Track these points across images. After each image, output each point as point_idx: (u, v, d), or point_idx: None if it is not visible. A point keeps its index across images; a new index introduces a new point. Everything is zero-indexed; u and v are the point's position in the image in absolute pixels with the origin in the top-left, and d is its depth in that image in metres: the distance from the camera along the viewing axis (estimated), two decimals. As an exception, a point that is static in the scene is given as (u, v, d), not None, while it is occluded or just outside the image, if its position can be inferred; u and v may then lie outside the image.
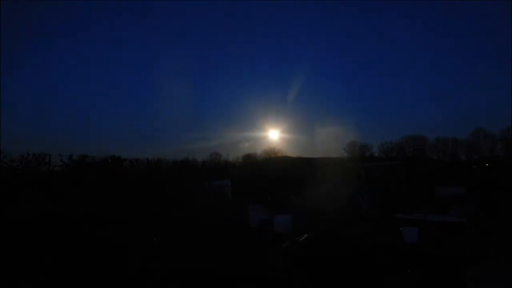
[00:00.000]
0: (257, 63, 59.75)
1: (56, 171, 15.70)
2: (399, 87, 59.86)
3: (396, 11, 54.13)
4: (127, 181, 15.01)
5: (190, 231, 8.38)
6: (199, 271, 5.27)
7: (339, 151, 40.92)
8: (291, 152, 36.84)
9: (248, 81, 59.49)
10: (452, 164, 32.23)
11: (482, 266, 4.73)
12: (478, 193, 12.78)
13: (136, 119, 56.44)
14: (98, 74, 53.42)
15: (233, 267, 5.43)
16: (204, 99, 58.28)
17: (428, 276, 4.78)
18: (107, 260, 5.87)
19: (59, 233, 7.93)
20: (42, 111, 48.09)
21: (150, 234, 7.85)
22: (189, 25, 56.30)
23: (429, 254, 5.93)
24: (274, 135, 38.41)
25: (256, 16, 54.61)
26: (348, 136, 40.41)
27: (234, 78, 58.62)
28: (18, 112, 42.59)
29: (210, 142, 41.86)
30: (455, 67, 55.94)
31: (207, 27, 55.58)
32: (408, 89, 59.59)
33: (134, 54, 55.43)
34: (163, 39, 56.21)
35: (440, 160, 38.42)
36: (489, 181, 15.29)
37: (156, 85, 48.88)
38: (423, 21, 53.51)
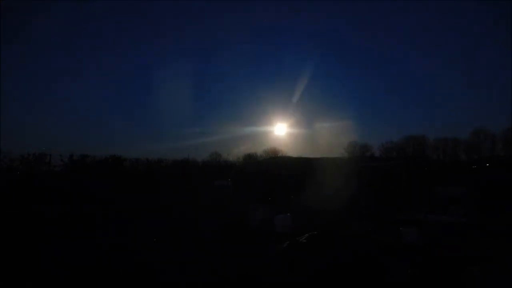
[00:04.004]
0: (259, 62, 59.51)
1: (56, 171, 15.73)
2: (400, 87, 59.87)
3: (397, 11, 54.13)
4: (128, 181, 15.02)
5: (190, 230, 8.39)
6: (200, 270, 5.28)
7: (340, 151, 40.89)
8: (292, 152, 36.81)
9: (249, 79, 59.34)
10: (452, 164, 32.25)
11: (482, 266, 4.73)
12: (478, 193, 12.79)
13: (137, 115, 56.34)
14: (98, 74, 53.37)
15: (234, 266, 5.44)
16: (204, 96, 58.29)
17: (428, 276, 4.79)
18: (107, 259, 5.87)
19: (60, 233, 7.94)
20: (42, 111, 48.04)
21: (150, 234, 7.86)
22: (189, 23, 56.26)
23: (429, 254, 5.94)
24: (273, 135, 38.41)
25: (254, 13, 54.52)
26: (348, 136, 40.34)
27: (233, 76, 58.44)
28: (18, 112, 42.52)
29: (210, 137, 41.47)
30: (455, 67, 55.91)
31: (207, 26, 55.51)
32: (408, 89, 59.58)
33: (134, 53, 55.35)
34: (164, 38, 56.20)
35: (440, 160, 38.37)
36: (488, 181, 15.30)
37: (157, 83, 48.76)
38: (423, 21, 53.47)
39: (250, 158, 32.63)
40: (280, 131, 36.89)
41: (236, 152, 42.30)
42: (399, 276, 4.77)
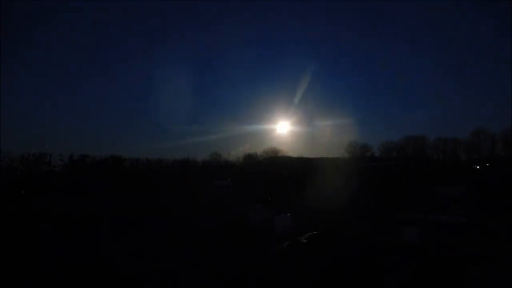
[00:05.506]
0: (260, 61, 59.49)
1: (56, 171, 15.73)
2: (400, 87, 59.97)
3: (397, 11, 54.19)
4: (128, 181, 15.02)
5: (190, 230, 8.39)
6: (200, 270, 5.28)
7: (340, 151, 40.92)
8: (292, 152, 36.82)
9: (250, 79, 59.36)
10: (452, 164, 32.24)
11: (482, 266, 4.73)
12: (478, 193, 12.80)
13: (137, 115, 56.45)
14: (98, 73, 53.40)
15: (234, 266, 5.44)
16: (204, 95, 58.40)
17: (428, 276, 4.79)
18: (107, 259, 5.87)
19: (60, 232, 7.94)
20: (42, 111, 48.09)
21: (150, 234, 7.85)
22: (191, 23, 56.25)
23: (429, 254, 5.94)
24: (274, 134, 38.48)
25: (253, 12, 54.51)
26: (348, 136, 40.34)
27: (234, 75, 58.46)
28: (18, 112, 42.54)
29: (211, 136, 41.64)
30: (455, 67, 56.05)
31: (208, 25, 55.51)
32: (408, 89, 59.70)
33: (134, 52, 55.37)
34: (165, 38, 56.23)
35: (440, 160, 38.38)
36: (489, 181, 15.30)
37: (157, 83, 48.85)
38: (423, 21, 53.56)
39: (250, 158, 32.63)
40: (281, 130, 37.05)
41: (236, 152, 42.40)
42: (399, 276, 4.77)
